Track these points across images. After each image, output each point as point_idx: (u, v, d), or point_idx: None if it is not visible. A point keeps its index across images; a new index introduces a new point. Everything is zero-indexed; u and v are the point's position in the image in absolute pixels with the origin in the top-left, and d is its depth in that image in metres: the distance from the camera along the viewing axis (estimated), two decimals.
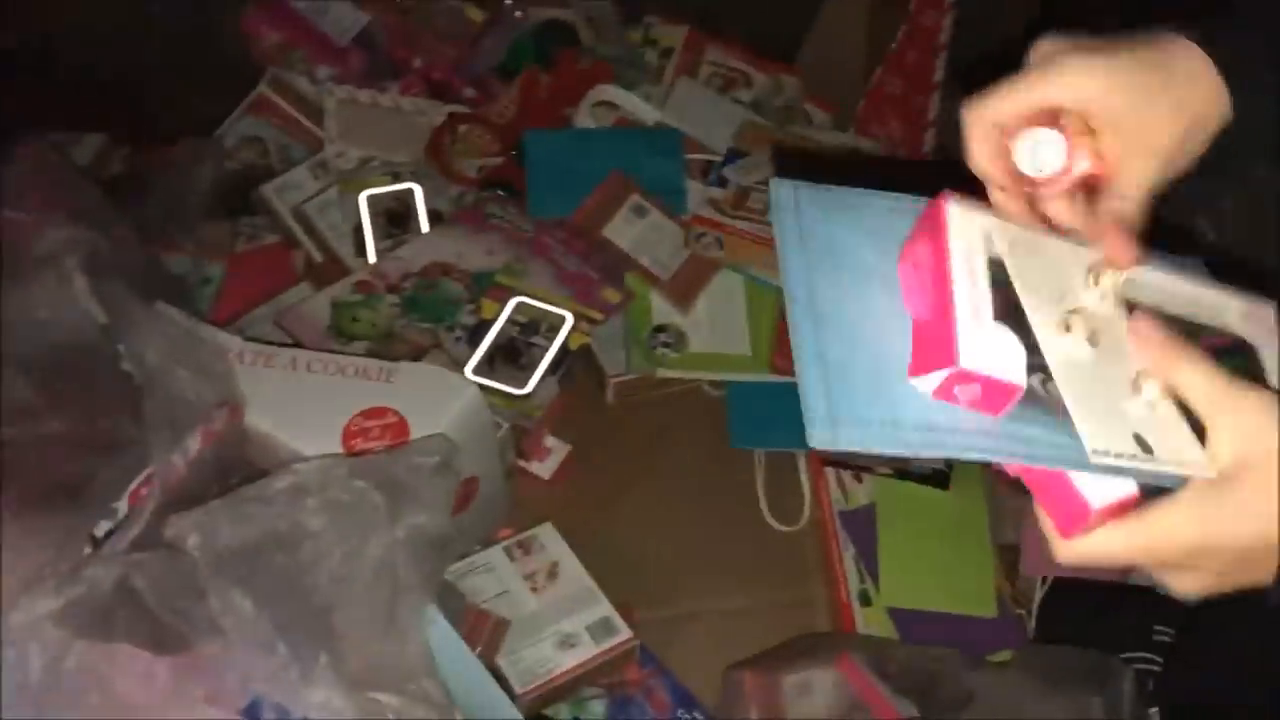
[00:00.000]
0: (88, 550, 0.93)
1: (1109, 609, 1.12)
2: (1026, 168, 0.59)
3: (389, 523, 0.86)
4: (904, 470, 1.19)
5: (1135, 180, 0.58)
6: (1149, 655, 1.05)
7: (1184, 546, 0.53)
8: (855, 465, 1.19)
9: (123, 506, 0.94)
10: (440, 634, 0.93)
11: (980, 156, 0.59)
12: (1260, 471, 0.52)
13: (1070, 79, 0.57)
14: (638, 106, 1.42)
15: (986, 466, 1.22)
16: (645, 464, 1.21)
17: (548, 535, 1.11)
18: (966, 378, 0.53)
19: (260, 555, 0.81)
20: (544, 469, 1.20)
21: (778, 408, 1.23)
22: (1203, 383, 0.54)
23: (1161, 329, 0.56)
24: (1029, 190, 0.59)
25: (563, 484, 1.20)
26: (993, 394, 0.54)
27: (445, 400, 1.02)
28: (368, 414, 0.99)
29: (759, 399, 1.24)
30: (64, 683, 0.81)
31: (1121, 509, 0.54)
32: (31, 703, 0.81)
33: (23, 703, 0.80)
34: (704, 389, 1.28)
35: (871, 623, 1.09)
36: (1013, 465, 0.55)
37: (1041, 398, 0.54)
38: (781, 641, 1.07)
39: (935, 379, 0.54)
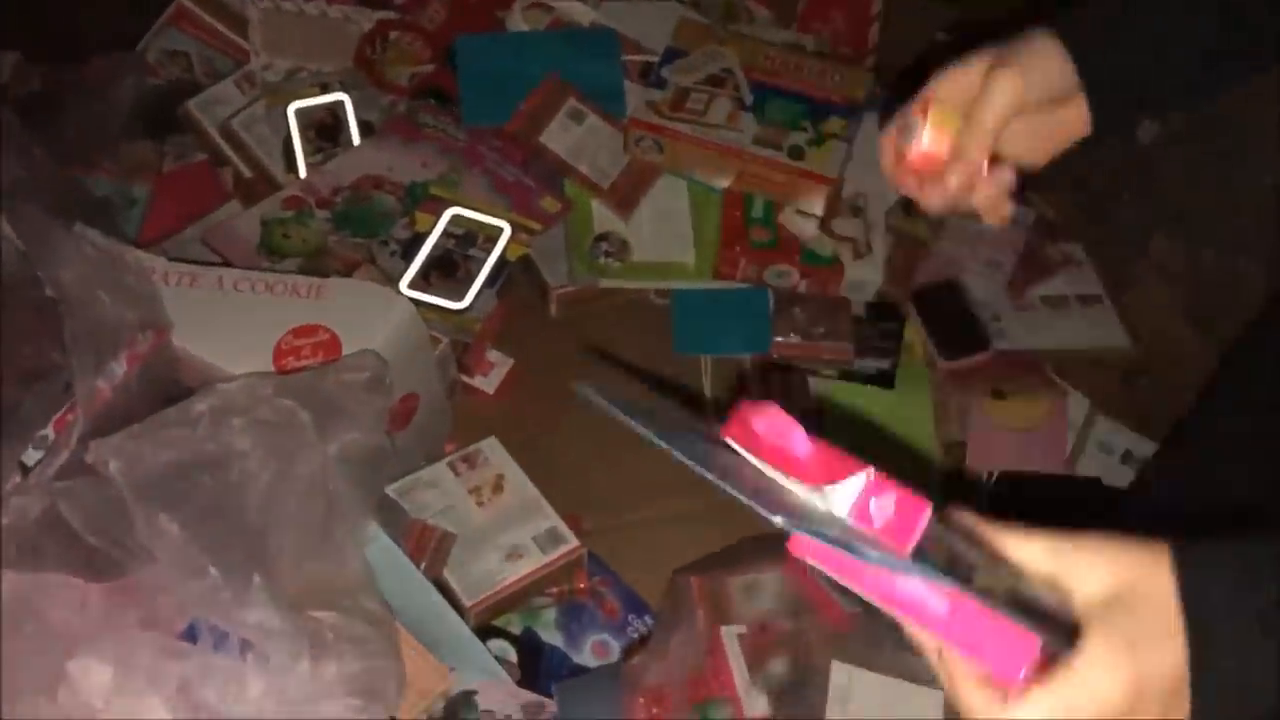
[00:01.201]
0: (17, 479, 0.92)
1: (1056, 500, 1.13)
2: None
3: (319, 441, 0.84)
4: (849, 372, 1.18)
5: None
6: None
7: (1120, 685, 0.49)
8: (800, 369, 1.19)
9: (50, 434, 0.92)
10: (382, 550, 0.92)
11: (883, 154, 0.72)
12: (1137, 596, 0.49)
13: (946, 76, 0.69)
14: (572, 7, 1.37)
15: (932, 365, 1.22)
16: (590, 375, 1.19)
17: (492, 449, 1.10)
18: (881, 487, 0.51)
19: (186, 478, 0.80)
20: (487, 383, 1.19)
21: (723, 313, 1.22)
22: (1039, 548, 0.52)
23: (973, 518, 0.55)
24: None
25: (507, 398, 1.18)
26: (906, 509, 0.51)
27: (379, 316, 0.99)
28: (298, 332, 0.97)
29: (703, 305, 1.23)
30: None
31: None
32: None
33: None
34: (649, 297, 1.26)
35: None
36: (936, 620, 0.50)
37: None
38: (728, 545, 1.07)
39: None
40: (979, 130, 0.67)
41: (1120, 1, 0.69)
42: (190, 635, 0.82)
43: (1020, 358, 1.23)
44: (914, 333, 1.23)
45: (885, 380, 1.17)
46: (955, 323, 1.24)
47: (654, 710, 0.91)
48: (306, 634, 0.80)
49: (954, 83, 0.68)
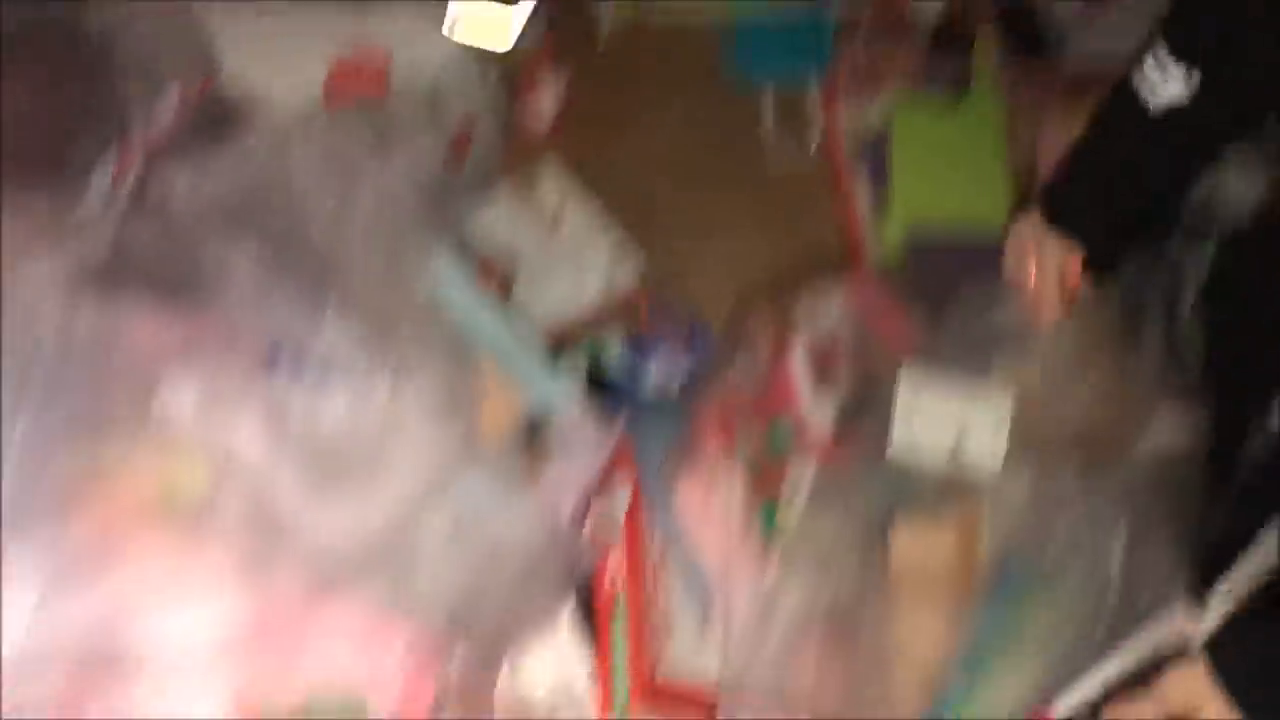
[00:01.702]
0: (80, 221, 0.92)
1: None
2: None
3: (380, 169, 0.84)
4: (916, 92, 1.14)
5: None
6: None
7: None
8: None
9: (108, 176, 0.92)
10: (450, 277, 0.93)
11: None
12: None
13: None
14: None
15: (1003, 82, 1.17)
16: (647, 102, 1.16)
17: (553, 178, 1.09)
18: None
19: (253, 208, 0.80)
20: (541, 113, 1.16)
21: (783, 38, 1.17)
22: None
23: None
24: None
25: (562, 127, 1.15)
26: None
27: (431, 43, 0.96)
28: (352, 59, 0.94)
29: (763, 30, 1.18)
30: (81, 342, 0.82)
31: None
32: (48, 364, 0.82)
33: (43, 361, 0.81)
34: (706, 21, 1.21)
35: (888, 241, 1.08)
36: None
37: None
38: (793, 267, 1.06)
39: None
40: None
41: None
42: (271, 359, 0.84)
43: (1095, 69, 1.17)
44: (984, 47, 1.17)
45: (954, 99, 1.12)
46: (1028, 36, 1.18)
47: (720, 429, 0.93)
48: (386, 357, 0.82)
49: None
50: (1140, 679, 0.74)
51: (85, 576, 0.77)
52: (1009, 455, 0.85)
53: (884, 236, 1.09)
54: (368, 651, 0.80)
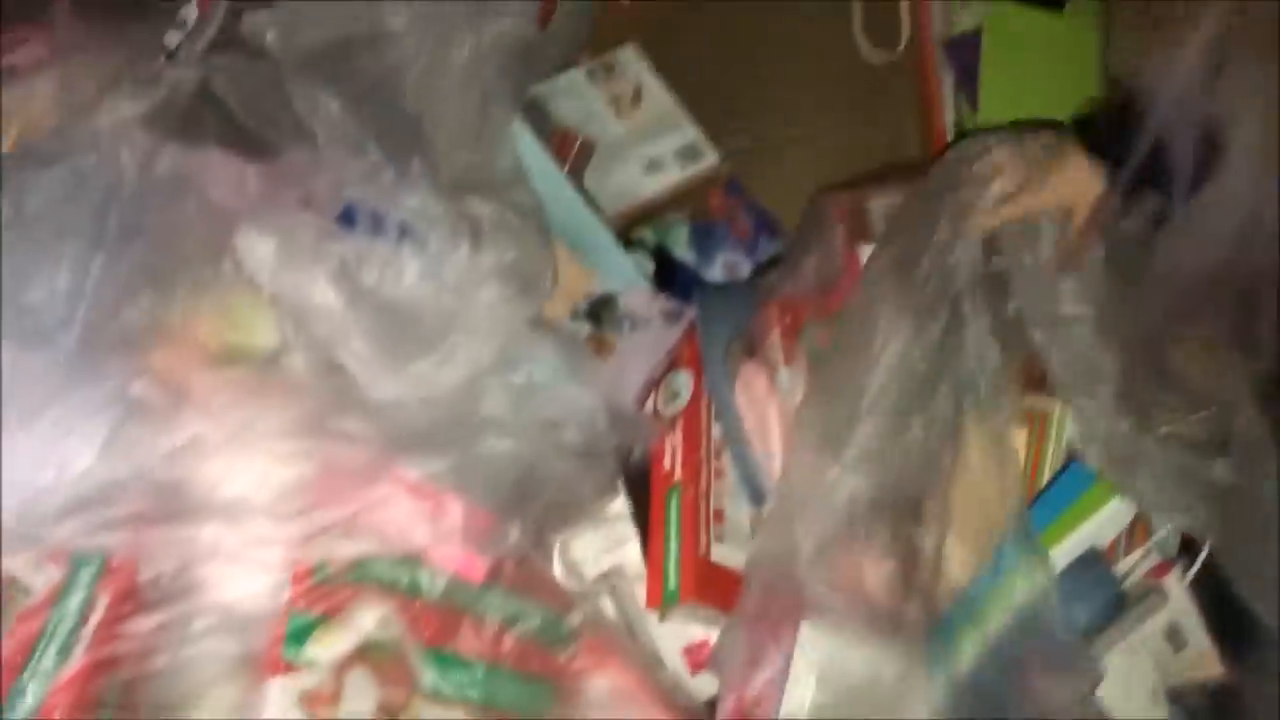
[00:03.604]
0: (161, 62, 0.91)
1: None
2: None
3: (474, 26, 0.81)
4: None
5: None
6: None
7: None
8: None
9: (191, 13, 0.90)
10: (528, 149, 0.91)
11: None
12: None
13: None
14: None
15: None
16: None
17: (630, 58, 1.06)
18: None
19: (343, 56, 0.78)
20: None
21: None
22: None
23: None
24: None
25: (643, 6, 1.12)
26: None
27: None
28: None
29: None
30: (159, 185, 0.82)
31: None
32: (128, 205, 0.82)
33: (121, 202, 0.81)
34: None
35: None
36: None
37: None
38: (870, 170, 1.04)
39: None
40: None
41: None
42: (348, 217, 0.83)
43: None
44: None
45: (1053, 3, 1.09)
46: None
47: (788, 319, 0.92)
48: (464, 221, 0.81)
49: None
50: None
51: (154, 416, 0.77)
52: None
53: None
54: (427, 517, 0.80)
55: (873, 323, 0.81)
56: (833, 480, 0.80)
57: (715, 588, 0.85)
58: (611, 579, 0.89)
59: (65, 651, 0.71)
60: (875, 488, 0.80)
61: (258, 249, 0.81)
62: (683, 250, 1.03)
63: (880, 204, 0.98)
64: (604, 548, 0.89)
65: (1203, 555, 0.81)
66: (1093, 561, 0.80)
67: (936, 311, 0.80)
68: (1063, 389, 0.84)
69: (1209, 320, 0.79)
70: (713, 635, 0.88)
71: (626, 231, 1.02)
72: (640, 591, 0.87)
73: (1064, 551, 0.80)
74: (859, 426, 0.80)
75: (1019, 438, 0.84)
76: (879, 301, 0.81)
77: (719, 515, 0.88)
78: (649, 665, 0.86)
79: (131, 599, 0.74)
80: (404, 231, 0.81)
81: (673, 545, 0.86)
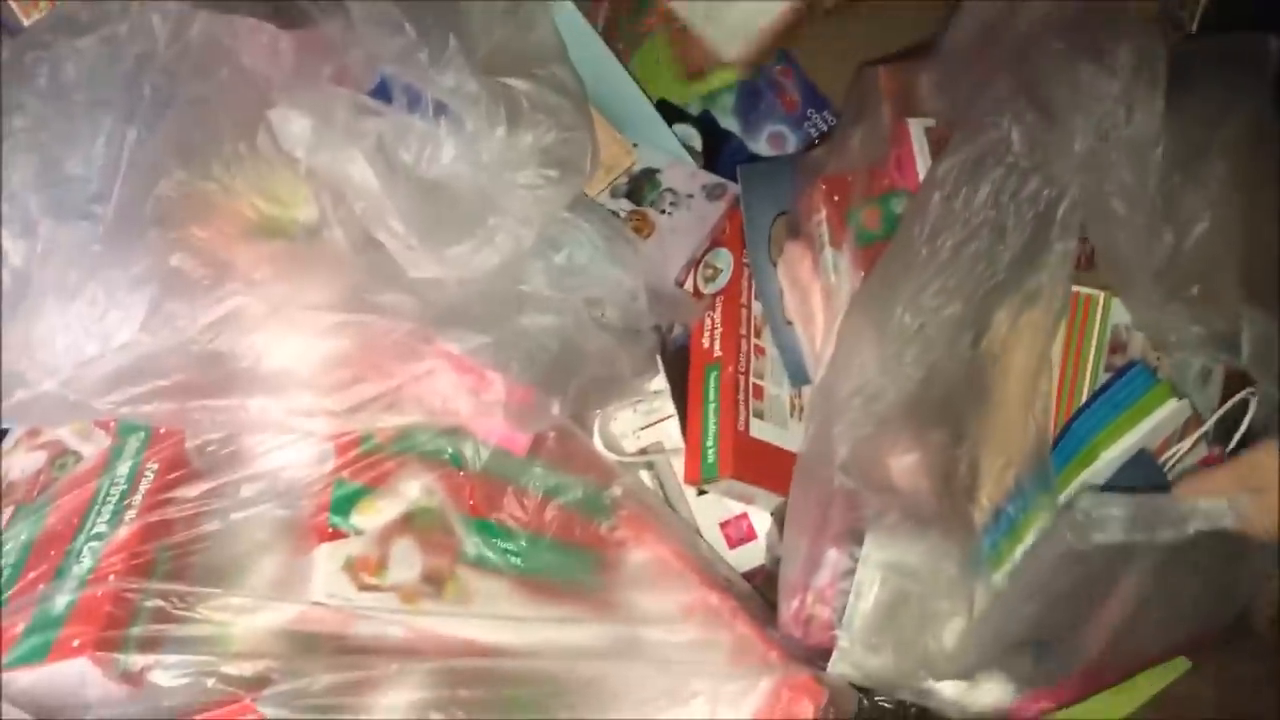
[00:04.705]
0: None
1: None
2: None
3: None
4: None
5: None
6: None
7: None
8: None
9: None
10: (568, 22, 0.89)
11: None
12: None
13: None
14: None
15: None
16: None
17: None
18: None
19: None
20: None
21: None
22: None
23: None
24: None
25: None
26: None
27: None
28: None
29: None
30: (191, 53, 0.80)
31: None
32: (161, 74, 0.80)
33: (154, 71, 0.80)
34: None
35: None
36: None
37: None
38: (920, 46, 1.01)
39: None
40: None
41: None
42: (383, 93, 0.81)
43: None
44: None
45: None
46: None
47: (835, 197, 0.90)
48: (502, 100, 0.79)
49: None
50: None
51: (195, 288, 0.77)
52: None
53: None
54: (470, 390, 0.81)
55: (940, 226, 0.79)
56: (877, 385, 0.79)
57: (754, 463, 0.85)
58: (650, 453, 0.90)
59: (117, 516, 0.73)
60: (925, 395, 0.79)
61: (293, 125, 0.79)
62: (727, 120, 1.01)
63: (930, 77, 0.95)
64: (643, 423, 0.90)
65: (1242, 429, 0.80)
66: (1144, 460, 0.79)
67: (1014, 227, 0.77)
68: (1110, 272, 0.82)
69: None
70: (751, 510, 0.89)
71: (671, 103, 0.99)
72: (679, 466, 0.88)
73: (1121, 451, 0.79)
74: (914, 333, 0.78)
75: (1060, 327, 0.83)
76: (948, 205, 0.79)
77: (758, 392, 0.88)
78: (687, 538, 0.86)
79: (179, 467, 0.76)
80: (441, 110, 0.79)
81: (711, 421, 0.86)
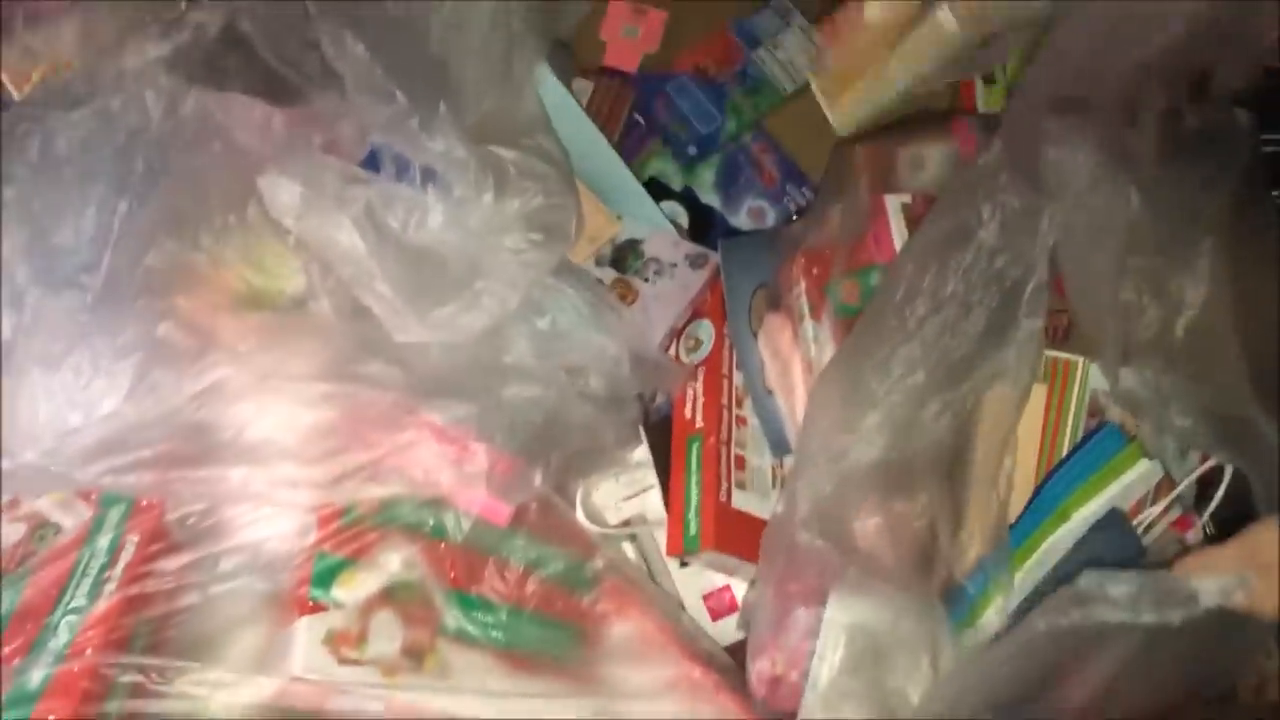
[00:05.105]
0: (184, 4, 0.90)
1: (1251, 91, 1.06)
2: None
3: None
4: None
5: None
6: None
7: None
8: None
9: None
10: (553, 95, 0.91)
11: None
12: None
13: None
14: None
15: None
16: None
17: None
18: None
19: None
20: None
21: None
22: None
23: None
24: None
25: None
26: None
27: None
28: None
29: None
30: (184, 128, 0.81)
31: None
32: (153, 148, 0.81)
33: (146, 145, 0.81)
34: None
35: (993, 104, 1.05)
36: None
37: None
38: (898, 119, 1.03)
39: None
40: None
41: None
42: (372, 162, 0.83)
43: None
44: None
45: None
46: None
47: (814, 270, 0.92)
48: (489, 167, 0.80)
49: None
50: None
51: (181, 359, 0.77)
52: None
53: (993, 94, 1.05)
54: (452, 461, 0.81)
55: (911, 298, 0.80)
56: (842, 445, 0.80)
57: (736, 534, 0.85)
58: (633, 525, 0.90)
59: (96, 589, 0.72)
60: (887, 459, 0.80)
61: (283, 193, 0.80)
62: (709, 195, 1.02)
63: (907, 153, 0.98)
64: (626, 494, 0.90)
65: (1218, 496, 0.81)
66: (1115, 521, 0.80)
67: (980, 303, 0.79)
68: (1088, 340, 0.84)
69: None
70: (733, 582, 0.89)
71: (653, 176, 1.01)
72: (661, 538, 0.88)
73: (1092, 511, 0.80)
74: (880, 398, 0.80)
75: (1039, 392, 0.84)
76: (919, 278, 0.80)
77: (740, 462, 0.89)
78: (670, 610, 0.86)
79: (161, 538, 0.75)
80: (429, 177, 0.80)
81: (693, 492, 0.87)
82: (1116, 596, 0.72)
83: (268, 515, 0.78)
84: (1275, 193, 0.83)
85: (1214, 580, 0.72)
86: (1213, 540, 0.81)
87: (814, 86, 1.04)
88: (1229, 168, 0.82)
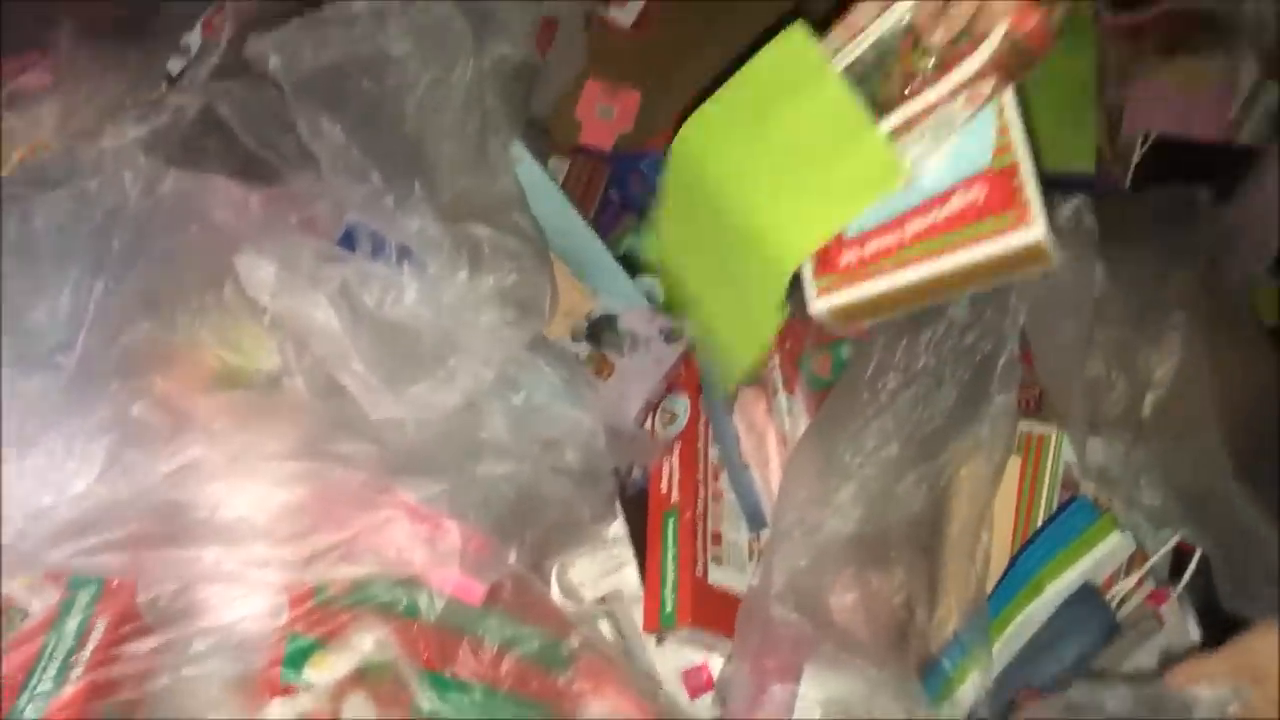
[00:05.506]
0: (163, 87, 0.91)
1: (1209, 168, 1.09)
2: None
3: (474, 51, 0.82)
4: None
5: None
6: None
7: None
8: None
9: (195, 40, 0.92)
10: (528, 173, 0.92)
11: None
12: None
13: None
14: None
15: (1098, 19, 1.14)
16: (731, 12, 1.13)
17: None
18: None
19: (345, 79, 0.79)
20: (625, 16, 1.13)
21: None
22: None
23: None
24: None
25: (644, 33, 1.13)
26: None
27: None
28: None
29: None
30: (161, 209, 0.82)
31: None
32: (130, 228, 0.82)
33: (123, 226, 0.81)
34: None
35: None
36: None
37: None
38: None
39: None
40: None
41: None
42: (348, 241, 0.83)
43: (1192, 15, 1.14)
44: None
45: None
46: None
47: (787, 344, 0.92)
48: (464, 244, 0.81)
49: None
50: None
51: (154, 438, 0.77)
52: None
53: None
54: (425, 540, 0.80)
55: (883, 371, 0.81)
56: (816, 518, 0.80)
57: (713, 610, 0.85)
58: (609, 602, 0.89)
59: (63, 674, 0.71)
60: (863, 532, 0.80)
61: (258, 271, 0.81)
62: None
63: None
64: (602, 571, 0.89)
65: (1190, 569, 0.81)
66: (1088, 594, 0.80)
67: (952, 377, 0.80)
68: (1060, 412, 0.84)
69: None
70: (711, 659, 0.88)
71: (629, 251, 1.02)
72: (638, 614, 0.88)
73: (1066, 585, 0.80)
74: (855, 471, 0.80)
75: (1013, 465, 0.85)
76: (890, 351, 0.81)
77: (717, 538, 0.88)
78: (647, 689, 0.85)
79: (130, 621, 0.74)
80: (404, 255, 0.81)
81: (670, 568, 0.86)
82: (1110, 709, 0.72)
83: (240, 596, 0.77)
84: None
85: (1209, 692, 0.71)
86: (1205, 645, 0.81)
87: None
88: (1193, 244, 0.83)
